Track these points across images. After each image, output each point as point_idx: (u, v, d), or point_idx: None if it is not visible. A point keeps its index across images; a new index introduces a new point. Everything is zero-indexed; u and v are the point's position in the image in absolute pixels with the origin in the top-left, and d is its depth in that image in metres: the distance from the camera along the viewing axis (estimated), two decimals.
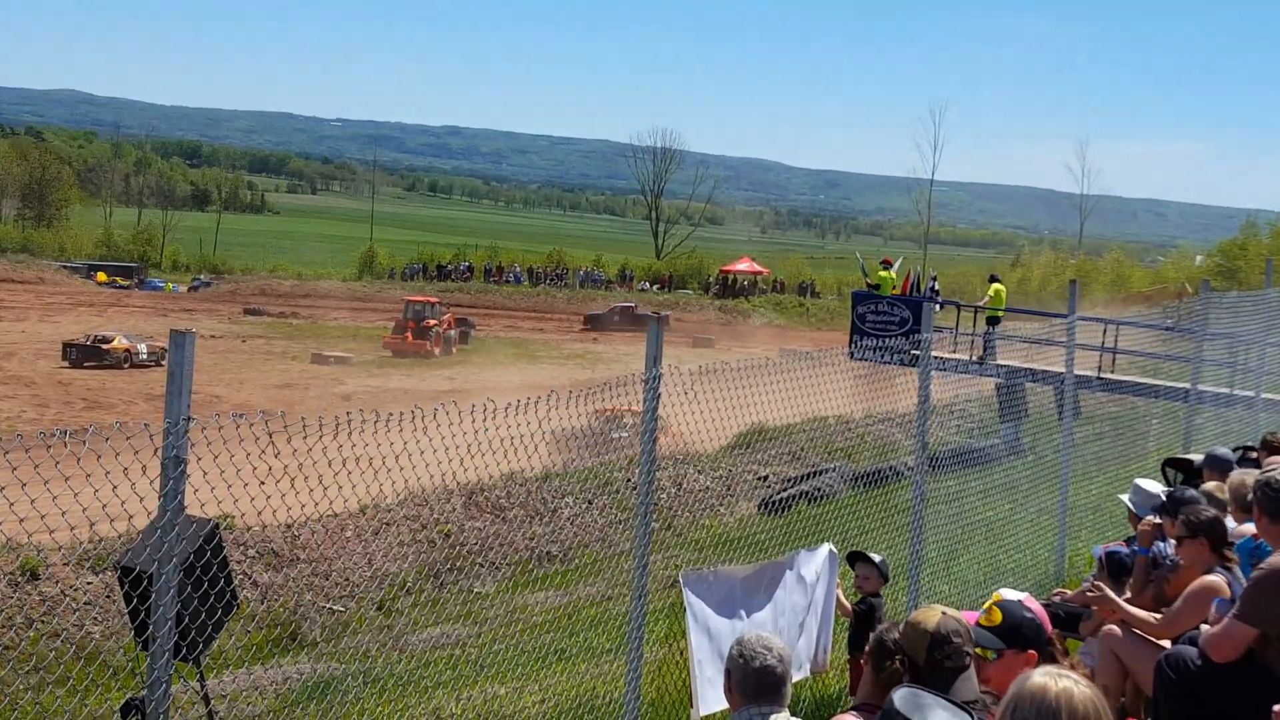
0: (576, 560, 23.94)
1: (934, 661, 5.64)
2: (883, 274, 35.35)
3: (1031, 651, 6.01)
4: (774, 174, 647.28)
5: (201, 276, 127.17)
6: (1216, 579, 8.30)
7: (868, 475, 14.97)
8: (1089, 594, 9.14)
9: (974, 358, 27.75)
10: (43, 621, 19.12)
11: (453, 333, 77.39)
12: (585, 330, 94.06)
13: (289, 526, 23.25)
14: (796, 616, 9.69)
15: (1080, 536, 15.18)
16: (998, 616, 6.08)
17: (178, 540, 6.03)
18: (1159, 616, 8.73)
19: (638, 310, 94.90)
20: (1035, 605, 6.25)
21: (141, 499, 6.50)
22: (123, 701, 7.50)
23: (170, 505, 5.94)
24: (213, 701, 10.49)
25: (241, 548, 21.91)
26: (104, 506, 6.78)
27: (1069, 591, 10.80)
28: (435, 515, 25.99)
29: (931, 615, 5.78)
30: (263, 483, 8.01)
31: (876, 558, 10.38)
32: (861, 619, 10.35)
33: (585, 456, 25.98)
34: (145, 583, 7.45)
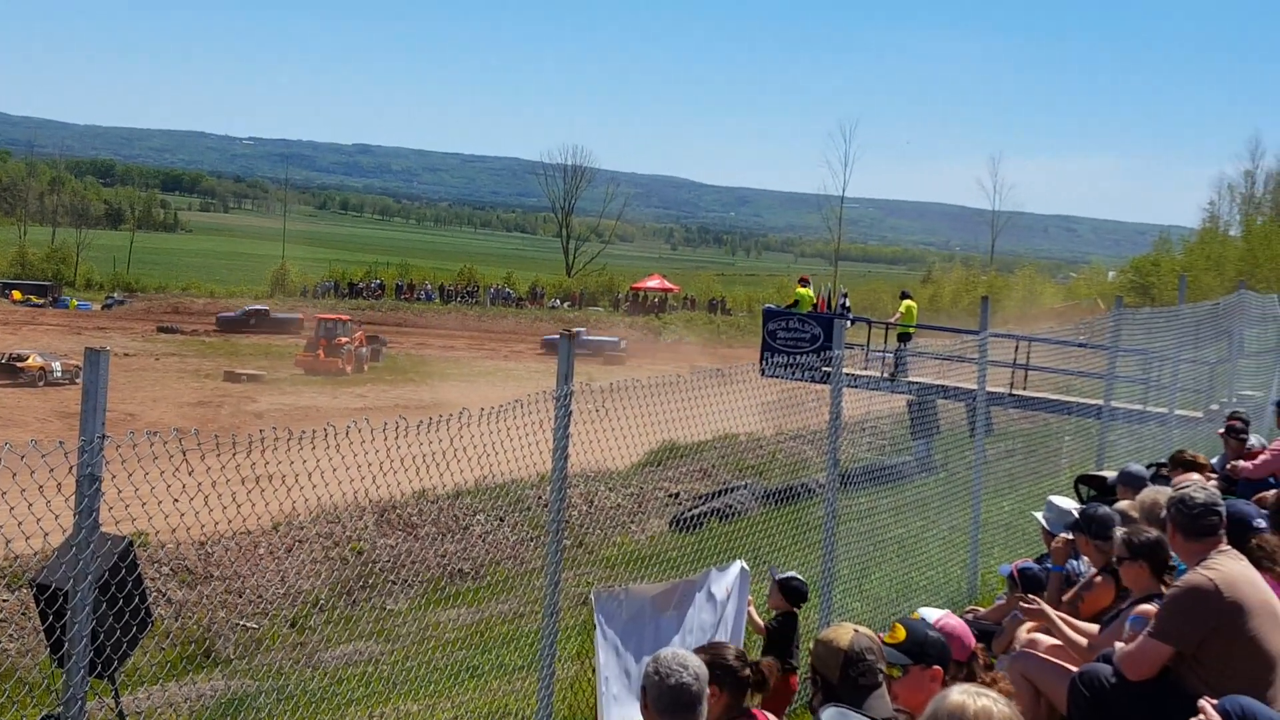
0: (488, 577, 23.88)
1: (848, 679, 5.63)
2: (800, 291, 35.40)
3: (937, 668, 6.02)
4: (684, 191, 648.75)
5: (115, 294, 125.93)
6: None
7: (779, 492, 14.97)
8: (1025, 605, 9.07)
9: (885, 374, 27.81)
10: None
11: (364, 350, 76.99)
12: None
13: (202, 544, 23.06)
14: (705, 634, 9.67)
15: (993, 554, 15.20)
16: (901, 633, 6.09)
17: (93, 558, 5.96)
18: (1094, 630, 8.67)
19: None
20: (953, 621, 6.28)
21: (56, 516, 6.42)
22: (39, 718, 7.43)
23: (85, 523, 5.87)
24: (127, 718, 10.39)
25: (155, 565, 21.71)
26: (20, 524, 6.69)
27: (982, 609, 10.83)
28: (347, 532, 25.86)
29: (844, 633, 5.76)
30: (176, 500, 7.95)
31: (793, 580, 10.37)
32: (774, 636, 10.37)
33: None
34: (61, 600, 7.38)
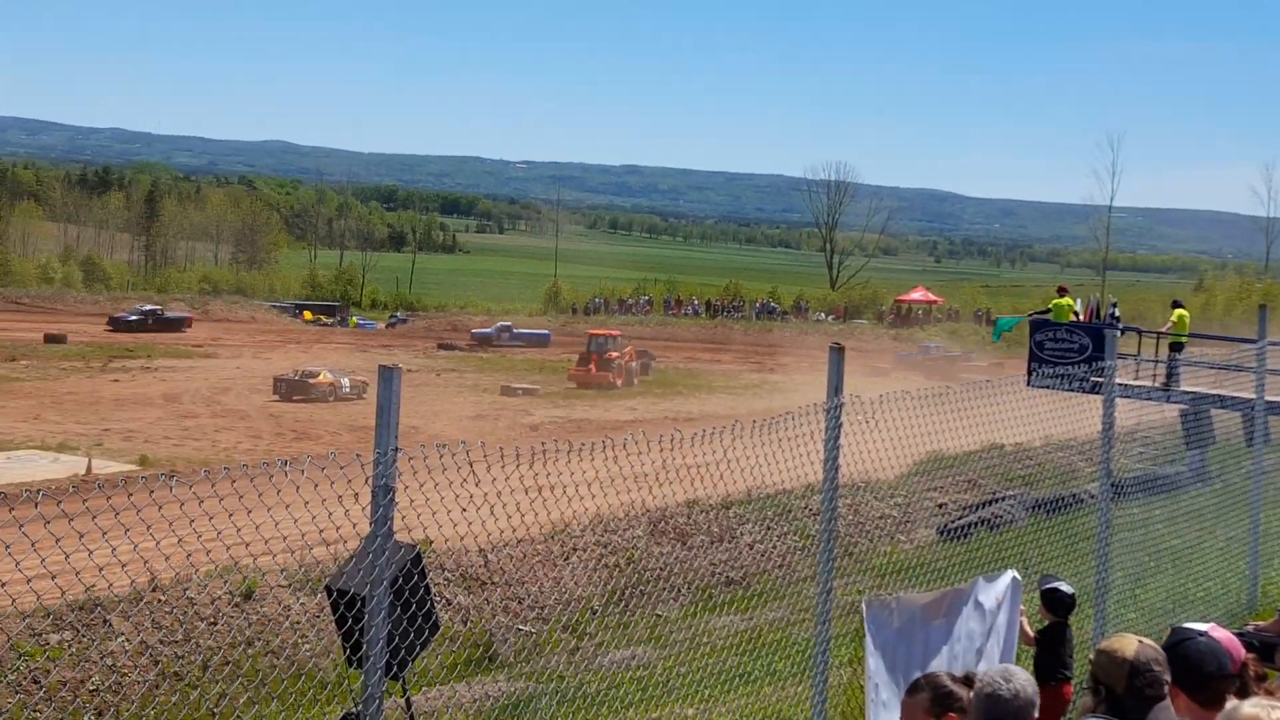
0: (757, 585, 23.84)
1: (1134, 689, 5.48)
2: (1058, 301, 34.61)
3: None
4: (948, 204, 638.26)
5: (398, 313, 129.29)
6: None
7: (1048, 502, 14.67)
8: None
9: (1157, 384, 27.02)
10: (259, 640, 19.51)
11: (634, 364, 77.61)
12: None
13: (484, 551, 23.47)
14: (974, 642, 9.53)
15: (1273, 565, 14.66)
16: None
17: (387, 564, 6.14)
18: None
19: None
20: (1222, 634, 6.09)
21: (355, 525, 6.62)
22: (340, 715, 7.66)
23: (380, 531, 6.05)
24: (417, 716, 10.63)
25: (441, 571, 22.16)
26: (320, 532, 6.91)
27: (1263, 622, 10.43)
28: (621, 541, 26.08)
29: (1128, 644, 5.59)
30: (464, 509, 8.11)
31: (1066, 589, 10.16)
32: (1045, 646, 10.17)
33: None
34: (358, 604, 7.59)
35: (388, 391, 5.92)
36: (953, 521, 26.15)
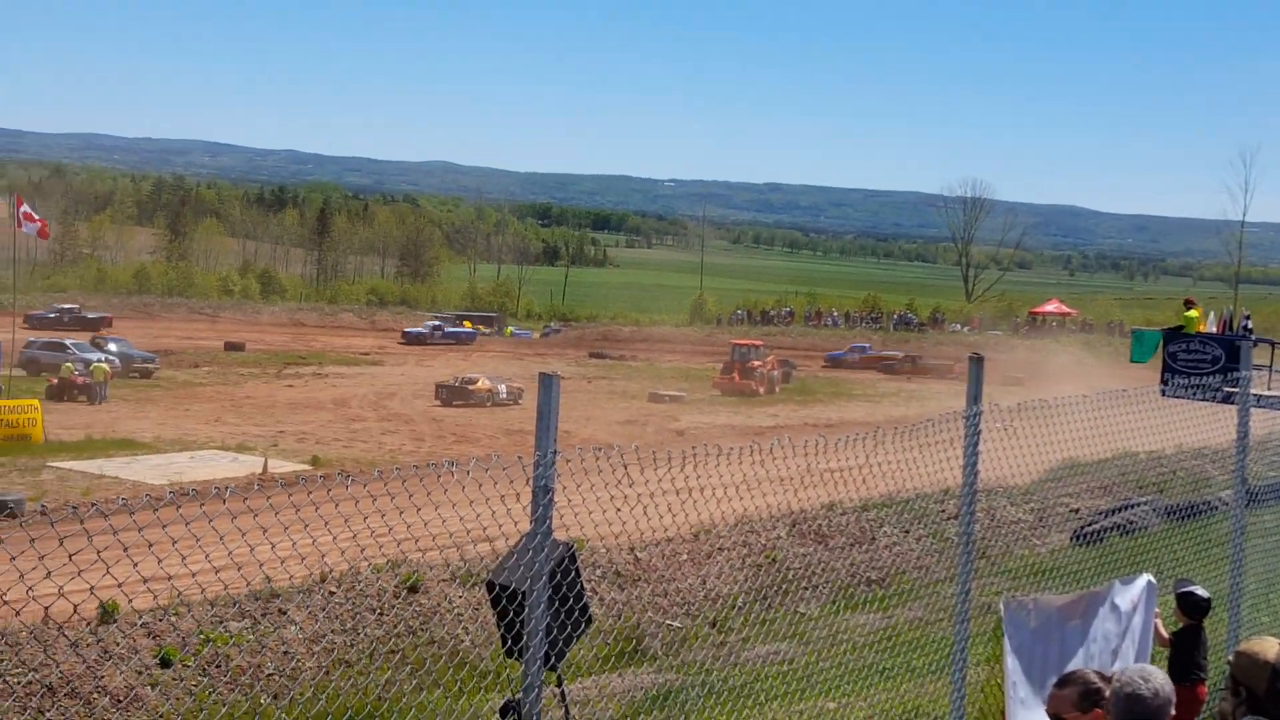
0: (895, 586, 23.66)
1: (1275, 691, 5.37)
2: (1187, 314, 33.89)
3: None
4: (1082, 219, 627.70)
5: (552, 324, 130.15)
6: None
7: (1180, 508, 14.36)
8: None
9: None
10: (422, 630, 19.77)
11: (776, 373, 77.32)
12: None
13: (633, 549, 23.56)
14: (1110, 644, 9.37)
15: None
16: None
17: (546, 560, 6.19)
18: None
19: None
20: None
21: (515, 522, 6.67)
22: (502, 703, 7.72)
23: (540, 529, 6.09)
24: (571, 706, 10.69)
25: (592, 568, 22.28)
26: (485, 529, 6.98)
27: None
28: (762, 541, 26.02)
29: (1269, 646, 5.48)
30: (619, 509, 8.15)
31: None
32: (1180, 647, 10.02)
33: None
34: (517, 598, 7.66)
35: (547, 397, 5.97)
36: (1086, 526, 25.73)
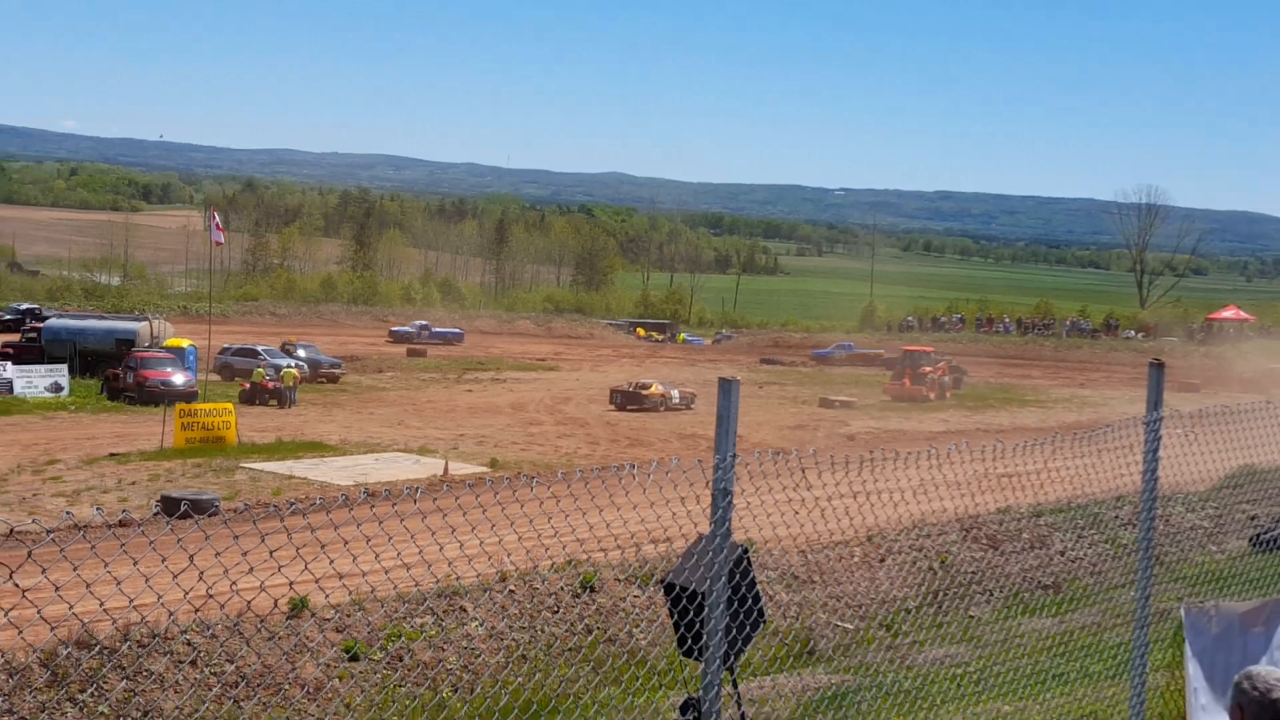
0: (1069, 591, 23.24)
1: None
2: None
3: None
4: (1260, 225, 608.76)
5: (724, 330, 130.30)
6: None
7: None
8: None
9: None
10: (599, 628, 19.88)
11: (946, 379, 76.45)
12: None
13: (803, 552, 23.45)
14: None
15: None
16: None
17: (726, 561, 6.19)
18: None
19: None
20: None
21: (693, 524, 6.69)
22: (683, 700, 7.75)
23: (720, 531, 6.09)
24: (745, 704, 10.68)
25: (764, 569, 22.22)
26: (662, 530, 7.01)
27: None
28: (934, 545, 25.73)
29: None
30: (796, 511, 8.13)
31: None
32: None
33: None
34: (691, 598, 7.68)
35: (726, 402, 5.97)
36: (1265, 533, 25.00)
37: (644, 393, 63.21)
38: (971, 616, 21.12)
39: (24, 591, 5.91)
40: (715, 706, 6.17)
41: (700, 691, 6.31)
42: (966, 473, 8.42)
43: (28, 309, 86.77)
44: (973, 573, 24.02)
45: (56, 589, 6.20)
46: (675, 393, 64.46)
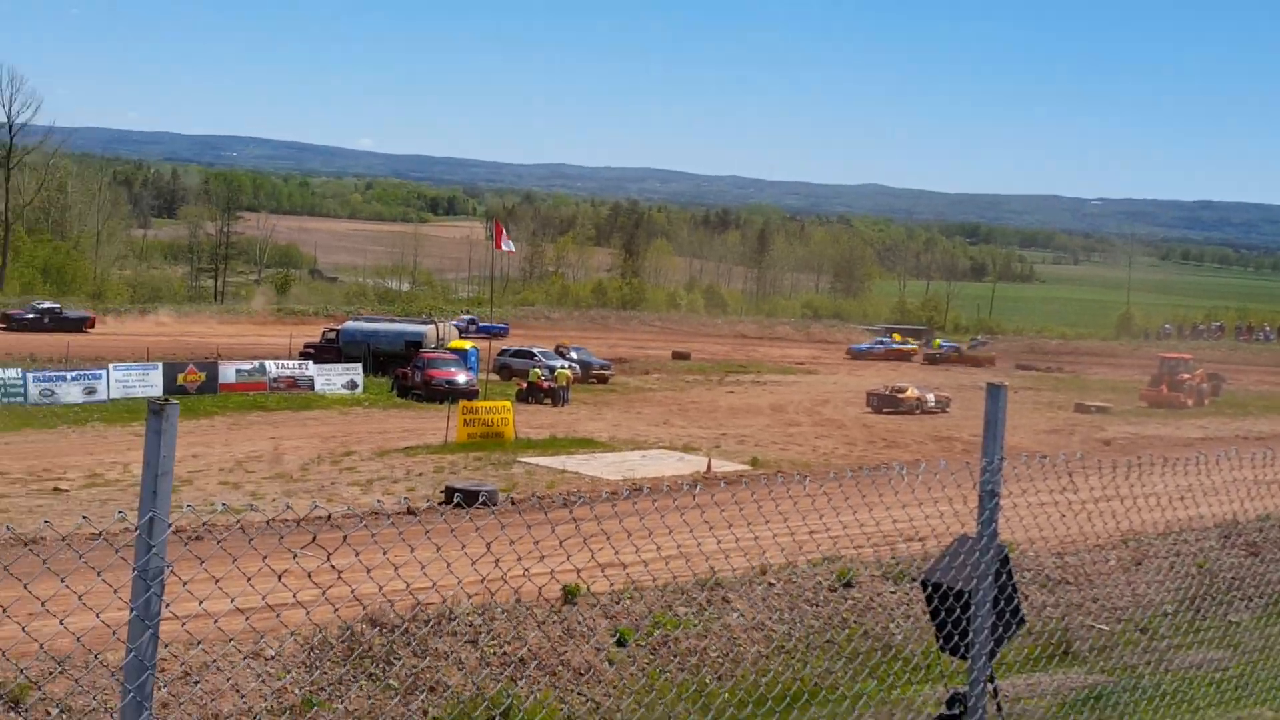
0: None
1: None
2: None
3: None
4: None
5: (979, 336, 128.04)
6: None
7: None
8: None
9: None
10: (856, 622, 19.71)
11: (1204, 386, 73.68)
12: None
13: (1059, 554, 22.87)
14: None
15: None
16: None
17: (992, 561, 6.06)
18: None
19: None
20: None
21: (947, 524, 6.56)
22: (950, 694, 7.61)
23: (986, 532, 5.97)
24: (1002, 701, 10.44)
25: (1020, 570, 21.74)
26: (917, 529, 6.88)
27: None
28: (1193, 550, 24.82)
29: None
30: (1063, 515, 7.91)
31: None
32: None
33: None
34: (949, 597, 7.52)
35: (994, 407, 5.83)
36: None
37: (900, 396, 62.49)
38: (1231, 622, 20.29)
39: (340, 572, 6.09)
40: (981, 702, 6.04)
41: (966, 687, 6.17)
42: (1227, 479, 8.05)
43: (47, 308, 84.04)
44: (1232, 578, 23.07)
45: (368, 570, 6.38)
46: (930, 396, 63.57)
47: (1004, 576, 7.61)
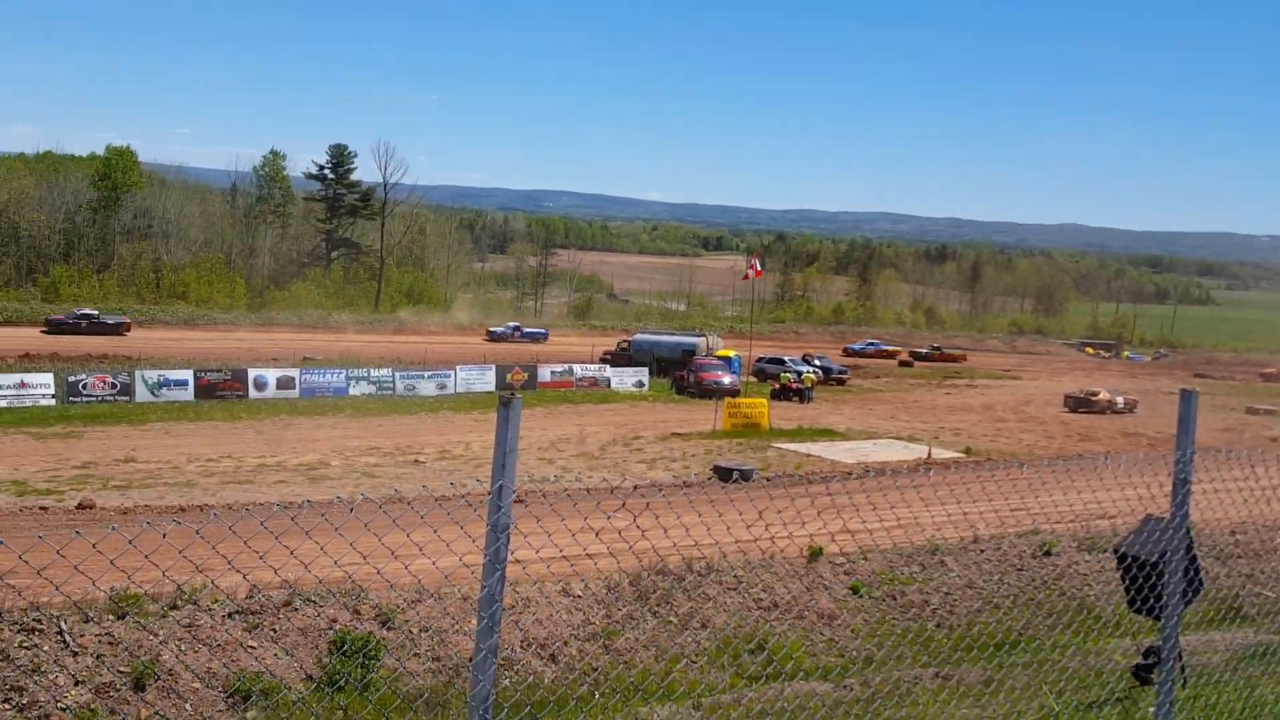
0: None
1: None
2: None
3: None
4: None
5: (1162, 350, 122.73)
6: None
7: None
8: None
9: None
10: (1054, 585, 19.00)
11: None
12: None
13: (1232, 532, 21.61)
14: None
15: None
16: None
17: (1183, 539, 5.77)
18: None
19: None
20: None
21: (1130, 506, 6.27)
22: (1146, 646, 7.33)
23: (1180, 513, 5.69)
24: (1183, 653, 9.94)
25: (1198, 545, 20.67)
26: (1104, 510, 6.60)
27: None
28: None
29: None
30: (1245, 500, 7.49)
31: None
32: None
33: None
34: (1140, 566, 7.21)
35: (1187, 408, 5.56)
36: None
37: (1093, 398, 60.32)
38: None
39: (644, 531, 6.18)
40: (1173, 654, 5.77)
41: (1160, 641, 5.91)
42: None
43: (85, 314, 76.15)
44: None
45: (665, 531, 6.46)
46: (1120, 399, 61.14)
47: (1190, 550, 7.26)
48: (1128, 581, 8.34)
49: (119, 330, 74.98)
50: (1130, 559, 8.27)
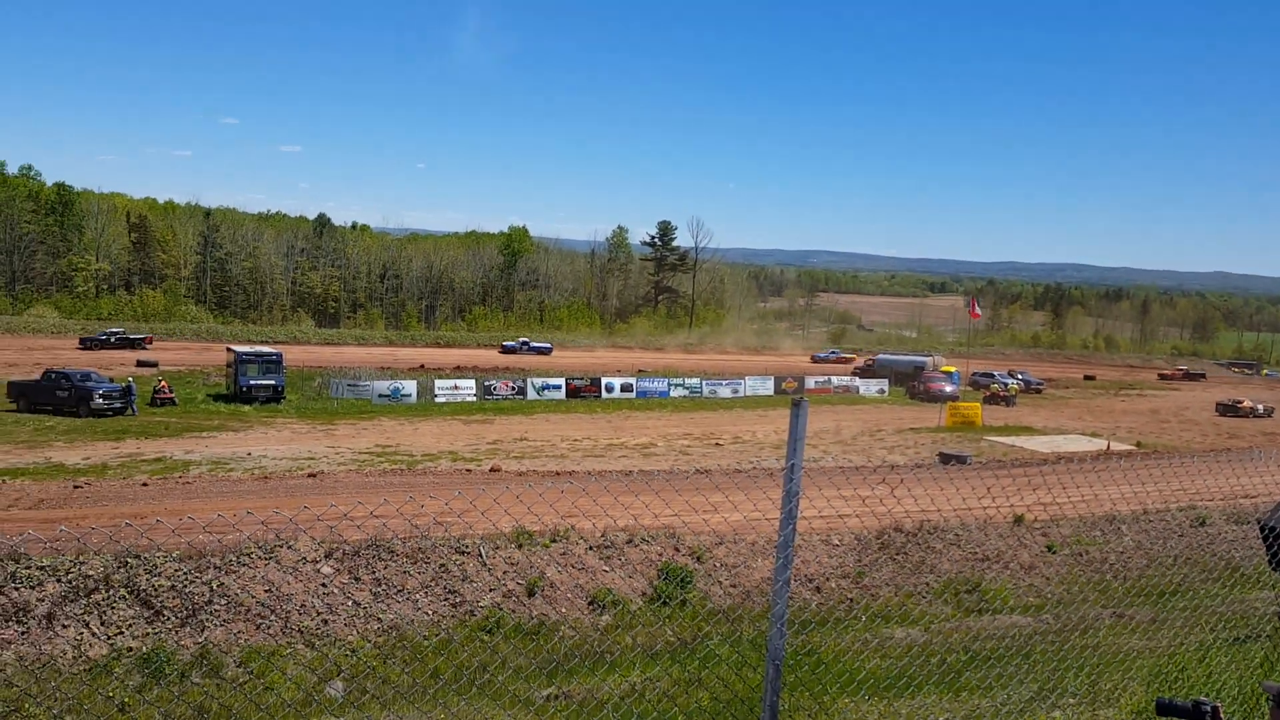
0: None
1: None
2: None
3: None
4: None
5: None
6: None
7: None
8: None
9: None
10: (1207, 548, 17.11)
11: None
12: None
13: None
14: None
15: None
16: None
17: None
18: None
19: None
20: None
21: (1269, 489, 5.69)
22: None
23: None
24: None
25: None
26: (1246, 491, 6.02)
27: None
28: None
29: None
30: None
31: None
32: None
33: None
34: (1275, 535, 6.55)
35: None
36: None
37: (1239, 405, 53.92)
38: None
39: (884, 499, 6.17)
40: None
41: None
42: None
43: (114, 331, 65.38)
44: None
45: (899, 500, 6.43)
46: (1260, 407, 54.50)
47: None
48: (1269, 546, 7.59)
49: (141, 344, 64.33)
50: (1270, 529, 7.53)
